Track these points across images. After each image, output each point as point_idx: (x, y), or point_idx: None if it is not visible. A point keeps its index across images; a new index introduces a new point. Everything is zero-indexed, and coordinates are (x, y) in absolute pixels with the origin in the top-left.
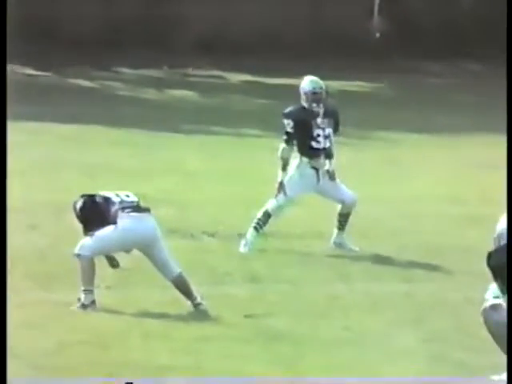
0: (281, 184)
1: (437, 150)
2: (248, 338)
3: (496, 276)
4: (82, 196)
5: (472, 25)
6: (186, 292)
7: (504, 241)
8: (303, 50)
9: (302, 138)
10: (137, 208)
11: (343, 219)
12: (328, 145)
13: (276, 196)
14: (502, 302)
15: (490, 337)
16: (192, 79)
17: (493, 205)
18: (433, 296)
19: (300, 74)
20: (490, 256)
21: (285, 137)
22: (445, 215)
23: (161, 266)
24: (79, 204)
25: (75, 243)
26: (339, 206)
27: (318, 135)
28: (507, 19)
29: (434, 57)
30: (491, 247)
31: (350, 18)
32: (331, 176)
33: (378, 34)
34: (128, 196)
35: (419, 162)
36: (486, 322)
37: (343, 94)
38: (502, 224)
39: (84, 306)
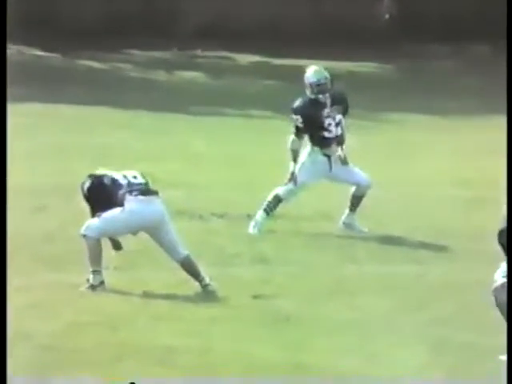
0: (292, 174)
1: (444, 133)
2: (256, 319)
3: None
4: (90, 176)
5: (480, 7)
6: (194, 273)
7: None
8: (311, 32)
9: (313, 129)
10: (144, 191)
11: (356, 201)
12: (340, 132)
13: (286, 184)
14: None
15: (498, 318)
16: (201, 61)
17: (499, 187)
18: (442, 277)
19: (309, 55)
20: (500, 234)
21: (294, 130)
22: (452, 197)
23: (168, 249)
24: (86, 184)
25: (82, 225)
26: (353, 188)
27: (330, 124)
28: (507, 18)
29: (442, 40)
30: (498, 228)
31: (358, 1)
32: (343, 161)
33: (387, 16)
34: (135, 177)
35: (426, 145)
36: (497, 300)
37: (351, 75)
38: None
39: (93, 287)
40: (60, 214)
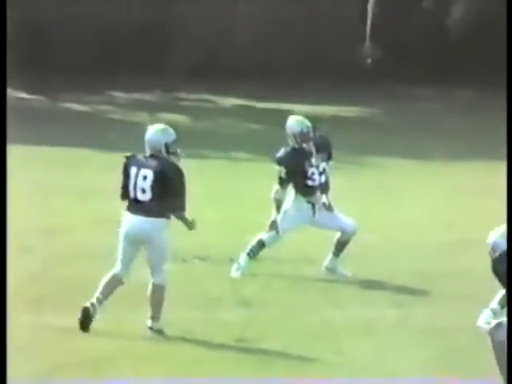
0: (274, 223)
1: (428, 176)
2: (239, 361)
3: (503, 282)
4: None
5: (463, 51)
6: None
7: (498, 251)
8: (295, 75)
9: (297, 179)
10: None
11: (340, 246)
12: (324, 180)
13: (267, 232)
14: (503, 320)
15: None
16: (184, 103)
17: (484, 230)
18: (425, 321)
19: (292, 99)
20: (494, 263)
21: (278, 180)
22: (436, 241)
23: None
24: None
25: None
26: (338, 234)
27: (313, 173)
28: (507, 27)
29: (426, 82)
30: (484, 269)
31: (342, 44)
32: (328, 208)
33: (369, 60)
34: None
35: (411, 188)
36: (494, 341)
37: (336, 119)
38: (491, 237)
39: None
40: (44, 255)
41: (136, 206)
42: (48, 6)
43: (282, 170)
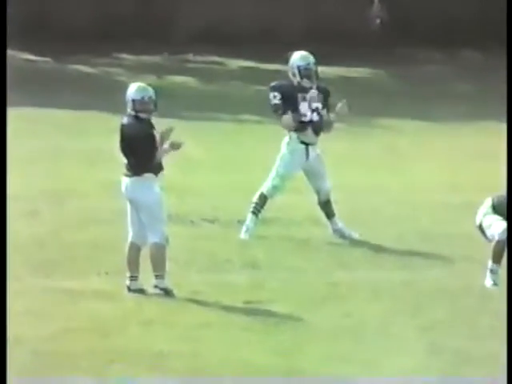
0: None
1: (436, 139)
2: (247, 324)
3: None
4: None
5: (472, 14)
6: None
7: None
8: (302, 37)
9: (289, 110)
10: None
11: (326, 207)
12: (316, 118)
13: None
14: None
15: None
16: (192, 65)
17: (491, 193)
18: (432, 283)
19: None
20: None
21: (277, 111)
22: (444, 203)
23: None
24: None
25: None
26: (316, 198)
27: (304, 108)
28: (507, 18)
29: (434, 45)
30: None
31: (349, 5)
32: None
33: (378, 20)
34: None
35: (419, 151)
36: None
37: (343, 80)
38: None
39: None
40: (52, 220)
41: (124, 168)
42: None
43: (277, 96)
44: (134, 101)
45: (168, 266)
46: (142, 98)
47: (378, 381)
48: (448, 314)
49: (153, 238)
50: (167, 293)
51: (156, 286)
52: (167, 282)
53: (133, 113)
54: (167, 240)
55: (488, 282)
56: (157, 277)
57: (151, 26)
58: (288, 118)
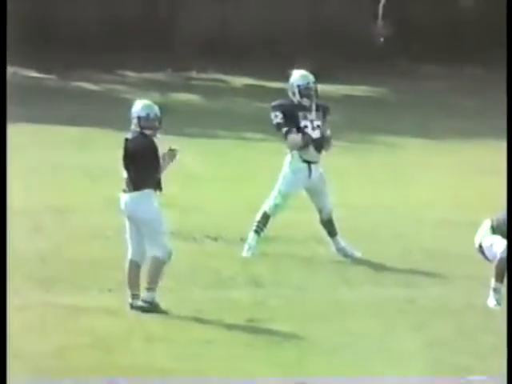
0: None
1: (439, 155)
2: (250, 342)
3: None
4: None
5: (474, 29)
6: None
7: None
8: (306, 54)
9: (292, 130)
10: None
11: (328, 225)
12: (317, 136)
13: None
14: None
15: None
16: (195, 82)
17: (494, 210)
18: (434, 301)
19: None
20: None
21: (281, 129)
22: (446, 221)
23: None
24: None
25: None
26: (318, 216)
27: (306, 126)
28: (507, 20)
29: (436, 61)
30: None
31: (353, 22)
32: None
33: (381, 39)
34: None
35: (422, 167)
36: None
37: (347, 98)
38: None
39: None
40: (54, 235)
41: (124, 183)
42: None
43: (278, 115)
44: (139, 118)
45: (171, 282)
46: (148, 115)
47: None
48: (450, 332)
49: (155, 252)
50: (153, 307)
51: (143, 300)
52: (155, 296)
53: (138, 129)
54: (170, 255)
55: (491, 301)
56: (148, 290)
57: (155, 42)
58: (295, 137)
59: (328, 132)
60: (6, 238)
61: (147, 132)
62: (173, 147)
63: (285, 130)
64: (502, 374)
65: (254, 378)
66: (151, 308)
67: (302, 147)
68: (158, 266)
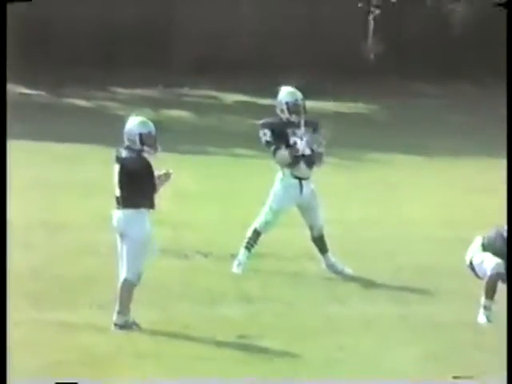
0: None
1: (430, 172)
2: (241, 358)
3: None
4: None
5: (465, 46)
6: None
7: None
8: (298, 71)
9: (280, 146)
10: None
11: (319, 242)
12: (307, 152)
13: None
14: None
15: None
16: (187, 99)
17: (485, 228)
18: (426, 318)
19: None
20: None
21: (270, 148)
22: (438, 238)
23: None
24: None
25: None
26: (310, 233)
27: (295, 143)
28: (507, 29)
29: (429, 78)
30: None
31: (344, 40)
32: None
33: (372, 56)
34: None
35: (413, 185)
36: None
37: (338, 115)
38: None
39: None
40: (46, 251)
41: (116, 201)
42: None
43: (267, 133)
44: (141, 134)
45: (161, 298)
46: (149, 132)
47: None
48: (442, 348)
49: (126, 274)
50: (127, 327)
51: (115, 324)
52: (127, 318)
53: (138, 147)
54: (139, 278)
55: (481, 318)
56: (118, 313)
57: (146, 58)
58: (283, 153)
59: (321, 148)
60: (6, 255)
61: (148, 149)
62: (168, 171)
63: (273, 147)
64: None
65: None
66: (126, 328)
67: (293, 164)
68: (127, 289)
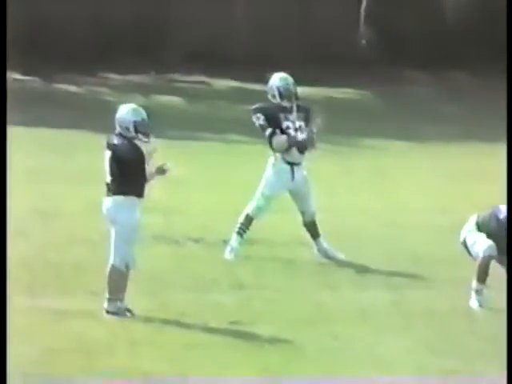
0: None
1: (423, 159)
2: (233, 345)
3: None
4: None
5: (457, 34)
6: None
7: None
8: (289, 57)
9: (277, 132)
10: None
11: (311, 228)
12: (300, 137)
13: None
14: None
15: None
16: (179, 85)
17: (478, 213)
18: (419, 304)
19: None
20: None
21: (265, 131)
22: (431, 224)
23: None
24: None
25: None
26: (301, 218)
27: (288, 127)
28: (507, 21)
29: (420, 66)
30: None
31: (335, 27)
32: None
33: (363, 42)
34: None
35: (406, 171)
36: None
37: (329, 101)
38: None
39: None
40: (39, 239)
41: (106, 187)
42: None
43: (260, 117)
44: (135, 122)
45: (153, 285)
46: (143, 119)
47: None
48: (435, 334)
49: (113, 260)
50: (119, 314)
51: (107, 311)
52: (119, 305)
53: (132, 134)
54: (127, 266)
55: (473, 303)
56: (108, 300)
57: (139, 45)
58: (281, 139)
59: (313, 133)
60: (6, 243)
61: (141, 137)
62: (165, 165)
63: (268, 131)
64: (485, 377)
65: (236, 381)
66: (120, 316)
67: (287, 149)
68: (117, 276)
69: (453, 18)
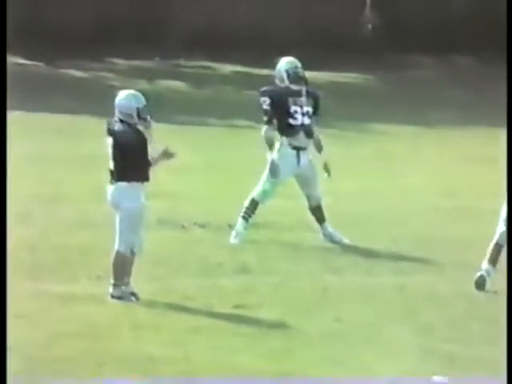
0: (272, 163)
1: (428, 144)
2: (238, 329)
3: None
4: None
5: (463, 19)
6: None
7: None
8: (293, 42)
9: (279, 114)
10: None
11: (317, 212)
12: (307, 122)
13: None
14: None
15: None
16: (183, 70)
17: (484, 198)
18: (424, 288)
19: None
20: None
21: (264, 117)
22: (437, 208)
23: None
24: None
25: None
26: (307, 203)
27: (296, 112)
28: (507, 19)
29: (426, 50)
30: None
31: (341, 11)
32: (326, 169)
33: (369, 26)
34: None
35: (410, 155)
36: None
37: (334, 85)
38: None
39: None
40: (43, 224)
41: (110, 174)
42: None
43: (266, 101)
44: (138, 109)
45: (158, 270)
46: (144, 106)
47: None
48: (440, 318)
49: (118, 246)
50: (124, 298)
51: (111, 295)
52: (124, 289)
53: (135, 121)
54: (132, 252)
55: (478, 280)
56: (113, 285)
57: (143, 30)
58: (270, 135)
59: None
60: (6, 229)
61: (144, 123)
62: (170, 150)
63: (265, 119)
64: (489, 362)
65: (241, 365)
66: (125, 300)
67: (292, 133)
68: (121, 261)
69: (459, 4)
